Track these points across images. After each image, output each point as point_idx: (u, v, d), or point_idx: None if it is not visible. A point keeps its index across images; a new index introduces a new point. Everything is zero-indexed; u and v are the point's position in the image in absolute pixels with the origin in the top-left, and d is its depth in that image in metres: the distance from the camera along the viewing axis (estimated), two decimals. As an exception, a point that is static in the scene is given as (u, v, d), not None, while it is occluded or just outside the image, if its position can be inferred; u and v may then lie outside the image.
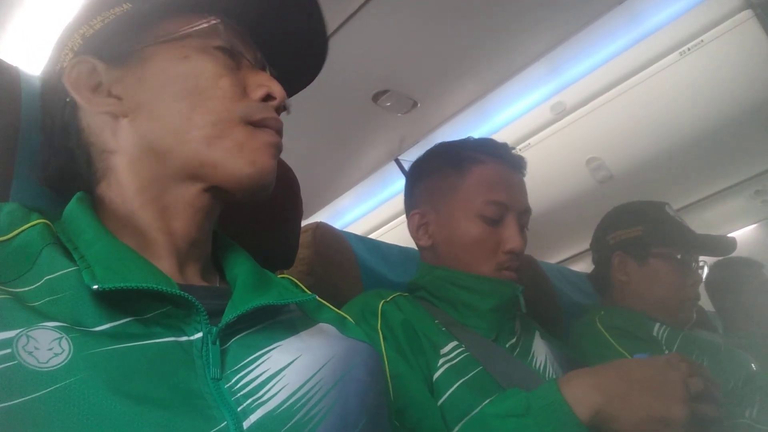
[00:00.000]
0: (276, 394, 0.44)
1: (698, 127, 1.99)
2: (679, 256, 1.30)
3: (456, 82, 1.86)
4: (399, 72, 1.75)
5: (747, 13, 1.71)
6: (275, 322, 0.53)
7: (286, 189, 0.83)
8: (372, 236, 2.20)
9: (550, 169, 2.19)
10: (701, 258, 1.35)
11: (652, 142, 2.09)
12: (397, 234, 2.47)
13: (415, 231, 1.04)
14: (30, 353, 0.36)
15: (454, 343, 0.85)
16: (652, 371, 0.68)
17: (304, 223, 0.96)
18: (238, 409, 0.42)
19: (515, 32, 1.68)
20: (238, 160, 0.52)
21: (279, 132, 0.56)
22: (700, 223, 2.40)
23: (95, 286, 0.41)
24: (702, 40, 1.79)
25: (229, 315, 0.47)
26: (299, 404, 0.45)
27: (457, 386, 0.79)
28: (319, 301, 0.63)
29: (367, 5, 1.43)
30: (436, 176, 1.02)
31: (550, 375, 0.93)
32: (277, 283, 0.56)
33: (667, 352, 1.20)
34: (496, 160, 0.99)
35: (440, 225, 1.00)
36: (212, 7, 0.55)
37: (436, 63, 1.74)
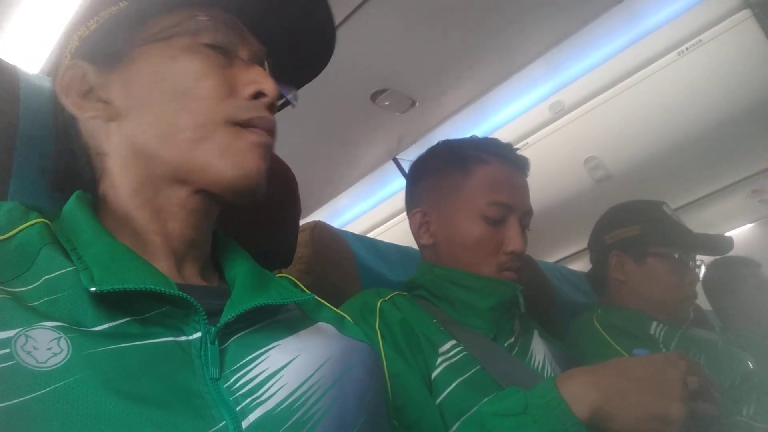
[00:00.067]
0: (275, 393, 0.45)
1: (696, 126, 1.99)
2: (676, 255, 1.30)
3: (454, 81, 1.86)
4: (397, 71, 1.75)
5: (745, 13, 1.71)
6: (274, 321, 0.53)
7: (285, 188, 0.83)
8: (370, 235, 2.20)
9: (549, 168, 2.19)
10: (698, 257, 1.36)
11: (650, 141, 2.09)
12: (396, 233, 2.47)
13: (416, 229, 1.03)
14: (29, 353, 0.36)
15: (453, 342, 0.85)
16: (651, 369, 0.68)
17: (302, 222, 0.96)
18: (237, 408, 0.42)
19: (514, 31, 1.68)
20: (222, 163, 0.50)
21: (270, 131, 0.54)
22: (698, 222, 2.41)
23: (93, 288, 0.41)
24: (700, 40, 1.79)
25: (227, 315, 0.47)
26: (298, 404, 0.45)
27: (456, 385, 0.79)
28: (317, 300, 0.63)
29: (366, 4, 1.42)
30: (439, 175, 1.02)
31: (549, 374, 0.93)
32: (276, 283, 0.56)
33: (664, 350, 1.20)
34: (501, 160, 0.99)
35: (442, 224, 0.99)
36: (208, 2, 0.54)
37: (435, 62, 1.74)
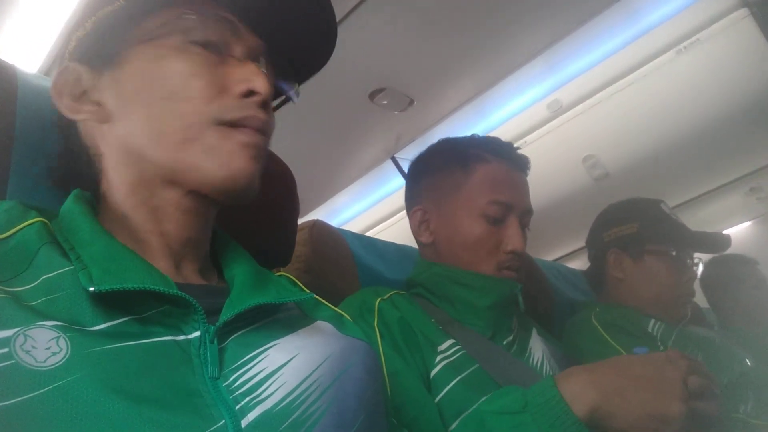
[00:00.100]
0: (274, 392, 0.45)
1: (694, 124, 2.00)
2: (674, 253, 1.30)
3: (452, 80, 1.86)
4: (395, 70, 1.75)
5: (743, 12, 1.72)
6: (273, 320, 0.53)
7: (283, 187, 0.83)
8: (369, 234, 2.20)
9: (547, 166, 2.19)
10: (696, 255, 1.36)
11: (648, 139, 2.09)
12: (394, 232, 2.47)
13: (416, 227, 1.03)
14: (27, 352, 0.36)
15: (451, 341, 0.86)
16: (651, 368, 0.68)
17: (300, 220, 0.96)
18: (236, 407, 0.42)
19: (512, 30, 1.68)
20: (210, 164, 0.50)
21: (261, 130, 0.52)
22: (696, 220, 2.41)
23: (92, 288, 0.41)
24: (698, 39, 1.80)
25: (226, 314, 0.47)
26: (297, 402, 0.45)
27: (455, 383, 0.79)
28: (316, 299, 0.63)
29: (364, 3, 1.42)
30: (440, 173, 1.02)
31: (547, 372, 0.94)
32: (275, 282, 0.56)
33: (662, 348, 1.20)
34: (501, 159, 0.99)
35: (442, 222, 1.00)
36: None
37: (433, 61, 1.74)
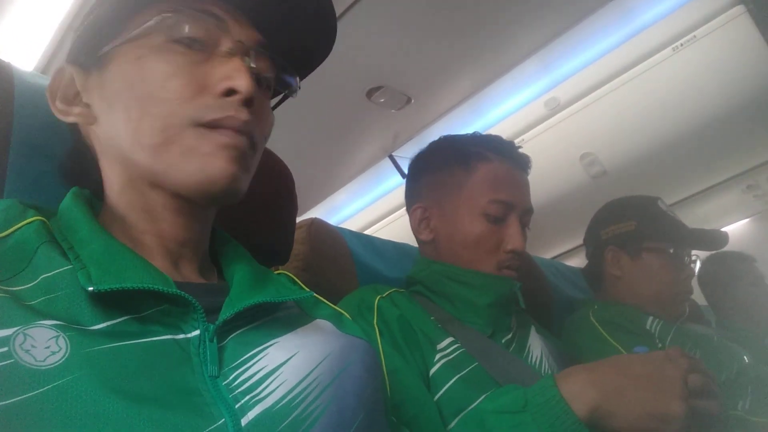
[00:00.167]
0: (274, 391, 0.44)
1: (691, 122, 2.00)
2: (671, 251, 1.30)
3: (450, 78, 1.86)
4: (393, 68, 1.75)
5: (739, 9, 1.72)
6: (273, 318, 0.53)
7: (281, 185, 0.83)
8: (367, 232, 2.20)
9: (544, 164, 2.19)
10: (694, 252, 1.36)
11: (646, 137, 2.10)
12: (392, 230, 2.47)
13: (416, 225, 1.03)
14: (27, 351, 0.36)
15: (451, 339, 0.86)
16: (651, 367, 0.68)
17: (299, 219, 0.96)
18: (236, 406, 0.42)
19: (509, 28, 1.68)
20: (186, 167, 0.48)
21: (242, 131, 0.50)
22: (693, 217, 2.43)
23: (90, 288, 0.41)
24: (695, 36, 1.80)
25: (226, 313, 0.47)
26: (297, 401, 0.45)
27: (454, 381, 0.79)
28: (316, 297, 0.63)
29: (361, 1, 1.42)
30: (441, 171, 1.02)
31: (546, 370, 0.94)
32: (274, 281, 0.56)
33: (660, 345, 1.21)
34: (503, 158, 0.99)
35: (442, 220, 0.99)
36: None
37: (430, 59, 1.74)
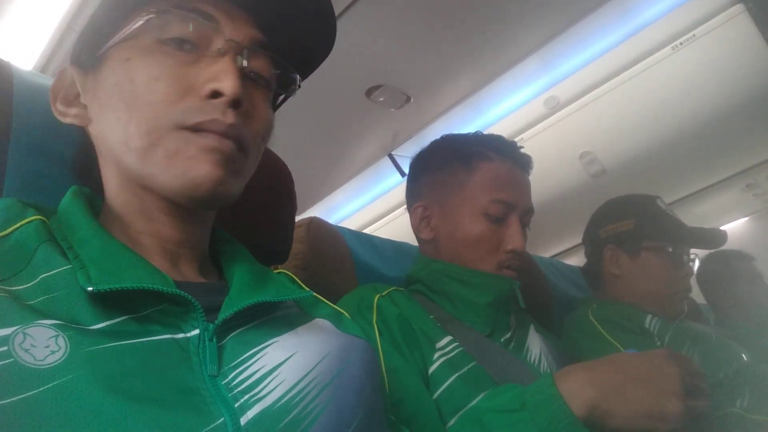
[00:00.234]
0: (273, 390, 0.44)
1: (690, 121, 2.00)
2: (670, 249, 1.31)
3: (449, 76, 1.86)
4: (392, 67, 1.75)
5: (739, 8, 1.72)
6: (272, 318, 0.53)
7: (280, 184, 0.83)
8: (366, 231, 2.20)
9: (544, 163, 2.19)
10: (692, 251, 1.37)
11: (645, 136, 2.10)
12: (391, 229, 2.47)
13: (417, 224, 1.03)
14: (26, 351, 0.36)
15: (450, 337, 0.86)
16: (649, 366, 0.68)
17: (298, 218, 0.96)
18: (236, 405, 0.42)
19: (508, 27, 1.68)
20: (170, 171, 0.47)
21: (227, 134, 0.48)
22: (692, 216, 2.43)
23: (90, 288, 0.41)
24: (694, 35, 1.80)
25: (225, 312, 0.47)
26: (296, 400, 0.45)
27: (453, 380, 0.79)
28: (315, 296, 0.63)
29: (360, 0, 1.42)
30: (443, 170, 1.02)
31: (545, 368, 0.94)
32: (274, 280, 0.56)
33: (659, 343, 1.21)
34: (505, 158, 0.99)
35: (443, 219, 1.00)
36: None
37: (430, 58, 1.74)
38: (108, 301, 0.42)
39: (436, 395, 0.78)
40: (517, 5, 1.58)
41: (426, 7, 1.52)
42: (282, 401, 0.44)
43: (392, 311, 0.85)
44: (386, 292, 0.90)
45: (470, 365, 0.82)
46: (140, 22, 0.49)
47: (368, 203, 2.63)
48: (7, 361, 0.35)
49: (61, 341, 0.38)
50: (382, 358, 0.76)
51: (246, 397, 0.43)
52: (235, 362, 0.45)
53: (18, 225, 0.46)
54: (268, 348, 0.48)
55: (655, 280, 1.30)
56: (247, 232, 0.69)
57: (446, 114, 2.06)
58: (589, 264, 1.44)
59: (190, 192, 0.48)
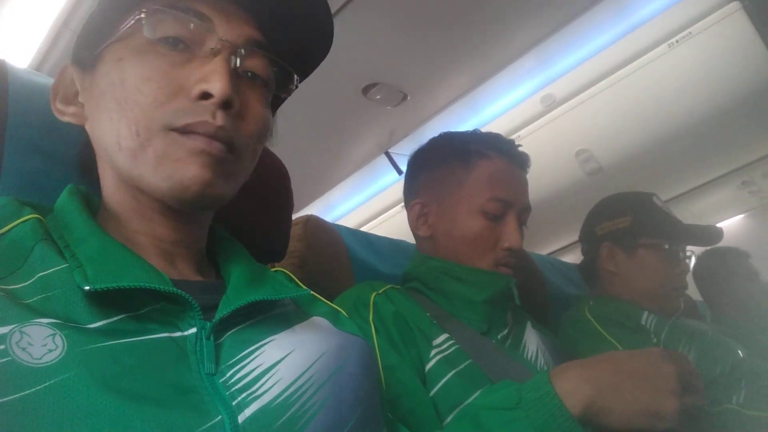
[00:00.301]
0: (270, 388, 0.45)
1: (686, 118, 2.01)
2: (666, 246, 1.31)
3: (446, 74, 1.86)
4: (389, 65, 1.75)
5: (735, 5, 1.72)
6: (269, 316, 0.53)
7: (277, 182, 0.83)
8: (363, 229, 2.20)
9: (540, 161, 2.17)
10: (689, 248, 1.37)
11: (641, 133, 2.10)
12: (388, 226, 2.47)
13: (414, 221, 1.04)
14: (23, 349, 0.36)
15: (446, 335, 0.86)
16: (645, 364, 0.68)
17: (295, 216, 0.96)
18: (233, 403, 0.42)
19: (504, 25, 1.68)
20: (157, 173, 0.47)
21: (216, 137, 0.48)
22: (688, 213, 2.43)
23: (87, 287, 0.41)
24: (690, 32, 1.80)
25: (222, 310, 0.47)
26: (293, 398, 0.45)
27: (450, 377, 0.80)
28: (312, 295, 0.63)
29: (356, -3, 1.42)
30: (441, 168, 1.02)
31: (542, 365, 0.94)
32: (271, 278, 0.56)
33: (655, 340, 1.21)
34: (503, 156, 0.99)
35: (441, 217, 1.00)
36: None
37: (426, 56, 1.74)
38: (105, 300, 0.42)
39: (432, 392, 0.78)
40: (513, 3, 1.58)
41: (422, 5, 1.52)
42: (279, 399, 0.44)
43: (389, 309, 0.85)
44: (383, 289, 0.90)
45: (467, 362, 0.82)
46: (132, 22, 0.49)
47: (365, 201, 2.63)
48: (4, 359, 0.35)
49: (58, 340, 0.38)
50: (378, 355, 0.77)
51: (243, 395, 0.43)
52: (233, 360, 0.45)
53: (14, 224, 0.45)
54: (265, 346, 0.48)
55: (651, 277, 1.30)
56: (243, 230, 0.69)
57: (443, 112, 2.06)
58: (586, 261, 1.44)
59: (178, 194, 0.48)
